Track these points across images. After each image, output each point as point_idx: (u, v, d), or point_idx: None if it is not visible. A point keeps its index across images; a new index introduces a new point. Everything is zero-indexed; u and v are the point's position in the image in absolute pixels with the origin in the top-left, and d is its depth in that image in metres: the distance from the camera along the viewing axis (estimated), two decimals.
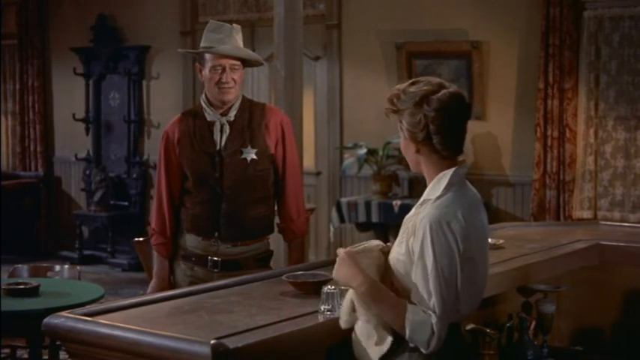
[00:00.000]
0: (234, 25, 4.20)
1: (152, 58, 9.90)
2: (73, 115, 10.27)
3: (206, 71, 4.14)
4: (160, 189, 4.29)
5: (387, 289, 2.82)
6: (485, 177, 7.64)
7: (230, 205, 4.14)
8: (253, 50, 9.00)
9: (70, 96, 10.55)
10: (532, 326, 3.92)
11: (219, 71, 4.10)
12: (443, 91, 2.81)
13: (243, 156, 4.15)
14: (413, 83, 2.87)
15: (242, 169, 4.15)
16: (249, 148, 4.16)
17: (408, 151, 2.90)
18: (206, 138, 4.18)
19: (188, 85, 9.54)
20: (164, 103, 9.77)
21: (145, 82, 10.03)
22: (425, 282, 2.72)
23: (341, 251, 2.89)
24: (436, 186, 2.84)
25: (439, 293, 2.70)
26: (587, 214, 7.35)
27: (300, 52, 6.30)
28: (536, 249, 4.33)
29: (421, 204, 2.87)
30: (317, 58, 8.78)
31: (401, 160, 8.07)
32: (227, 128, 4.17)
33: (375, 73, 8.37)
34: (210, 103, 4.19)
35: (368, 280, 2.81)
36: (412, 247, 2.77)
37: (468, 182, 2.93)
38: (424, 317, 2.70)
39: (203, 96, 4.24)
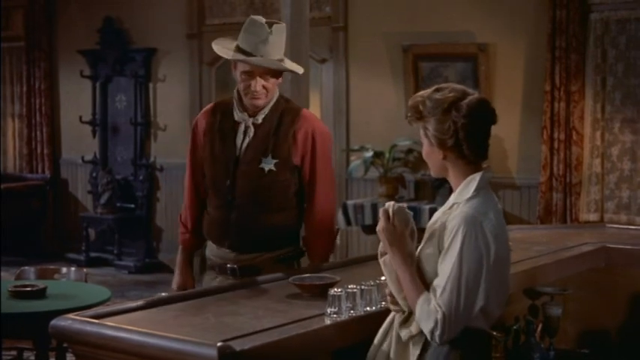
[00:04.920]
0: (274, 26, 3.91)
1: (159, 61, 9.91)
2: (80, 118, 10.28)
3: (237, 74, 3.89)
4: (187, 180, 4.14)
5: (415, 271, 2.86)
6: (491, 180, 7.63)
7: (241, 214, 3.93)
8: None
9: (76, 98, 10.57)
10: (539, 329, 3.92)
11: (249, 78, 3.85)
12: (470, 98, 2.85)
13: (261, 165, 3.90)
14: (437, 90, 2.88)
15: (257, 178, 3.90)
16: (269, 157, 3.90)
17: (433, 157, 2.91)
18: (228, 139, 3.95)
19: (194, 88, 9.55)
20: (170, 105, 9.77)
21: (151, 85, 10.03)
22: (445, 276, 2.75)
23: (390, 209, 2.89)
24: (465, 189, 2.88)
25: (456, 289, 2.73)
26: (593, 216, 7.34)
27: (307, 55, 6.30)
28: (543, 252, 4.32)
29: (450, 207, 2.89)
30: (323, 61, 8.78)
31: (407, 163, 8.08)
32: (251, 132, 3.93)
33: (381, 75, 8.37)
34: (241, 102, 3.94)
35: (404, 252, 2.85)
36: (442, 243, 2.81)
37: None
38: (432, 309, 2.74)
39: (236, 92, 3.97)
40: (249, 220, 3.93)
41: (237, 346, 2.66)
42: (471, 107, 2.83)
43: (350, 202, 8.06)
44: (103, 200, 9.97)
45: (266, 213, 3.94)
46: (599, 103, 7.33)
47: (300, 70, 4.04)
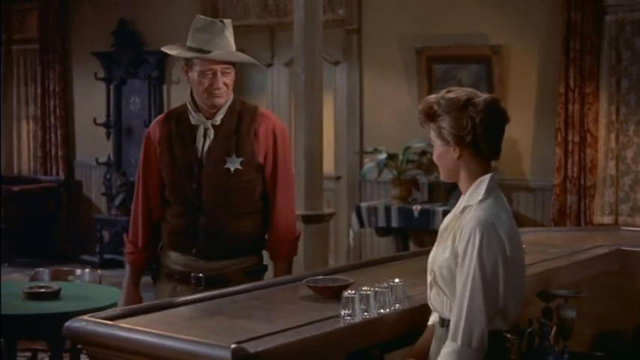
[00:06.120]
0: (224, 20, 3.90)
1: (172, 63, 9.91)
2: (94, 120, 10.30)
3: (194, 75, 3.83)
4: (136, 196, 4.02)
5: None
6: (505, 182, 7.60)
7: (209, 218, 3.84)
8: (272, 55, 9.06)
9: (90, 100, 10.60)
10: (553, 332, 3.90)
11: (209, 76, 3.79)
12: (484, 96, 2.89)
13: (226, 166, 3.83)
14: (448, 91, 2.93)
15: (224, 180, 3.83)
16: (233, 157, 3.83)
17: (447, 158, 2.93)
18: (187, 144, 3.87)
19: None
20: None
21: (165, 87, 10.05)
22: (465, 281, 2.77)
23: None
24: (475, 192, 2.90)
25: (481, 290, 2.75)
26: (607, 219, 7.31)
27: (320, 57, 6.31)
28: (557, 254, 4.31)
29: (461, 211, 2.91)
30: (337, 63, 8.77)
31: (420, 165, 8.06)
32: (211, 133, 3.86)
33: (394, 77, 8.37)
34: (196, 106, 3.88)
35: None
36: (457, 248, 2.81)
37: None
38: (452, 347, 2.80)
39: (189, 97, 3.91)
40: (217, 225, 3.85)
41: (251, 348, 2.65)
42: (488, 103, 2.87)
43: (363, 205, 8.05)
44: (117, 202, 9.99)
45: (234, 217, 3.87)
46: (613, 105, 7.31)
47: (256, 62, 4.10)
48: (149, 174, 3.98)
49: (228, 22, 3.91)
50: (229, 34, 3.89)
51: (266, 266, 4.07)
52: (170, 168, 3.90)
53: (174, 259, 3.94)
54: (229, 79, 3.85)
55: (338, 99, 8.80)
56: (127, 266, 4.08)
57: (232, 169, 3.84)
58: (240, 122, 3.89)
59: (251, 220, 3.93)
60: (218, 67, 3.81)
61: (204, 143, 3.88)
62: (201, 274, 3.86)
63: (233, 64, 3.87)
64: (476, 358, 2.78)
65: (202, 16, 3.97)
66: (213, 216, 3.85)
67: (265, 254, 4.08)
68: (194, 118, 3.89)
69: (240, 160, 3.85)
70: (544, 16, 7.62)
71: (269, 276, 4.07)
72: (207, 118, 3.88)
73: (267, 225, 4.01)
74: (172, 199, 3.92)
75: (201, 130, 3.88)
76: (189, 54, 3.85)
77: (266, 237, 4.04)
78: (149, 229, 4.01)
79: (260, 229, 4.00)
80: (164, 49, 4.10)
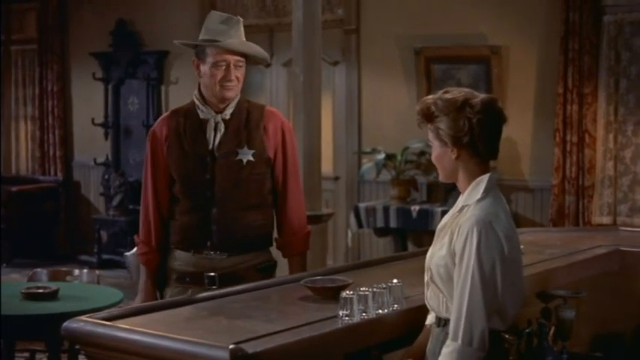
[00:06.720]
0: (238, 17, 3.91)
1: (171, 63, 9.92)
2: (92, 120, 10.29)
3: (206, 67, 3.83)
4: (146, 195, 3.96)
5: None
6: (504, 182, 7.61)
7: (222, 210, 3.83)
8: (271, 55, 9.04)
9: (89, 101, 10.59)
10: (551, 332, 3.90)
11: (223, 67, 3.79)
12: (480, 96, 2.89)
13: (238, 157, 3.84)
14: (446, 92, 2.93)
15: (236, 171, 3.83)
16: (245, 148, 3.85)
17: (445, 159, 2.94)
18: (197, 137, 3.86)
19: None
20: None
21: (163, 87, 10.05)
22: (464, 280, 2.78)
23: None
24: (474, 191, 2.90)
25: (480, 289, 2.76)
26: (606, 219, 7.31)
27: (319, 57, 6.31)
28: (556, 254, 4.31)
29: (459, 210, 2.92)
30: (335, 63, 8.77)
31: (419, 165, 8.06)
32: (222, 127, 3.86)
33: (393, 78, 8.36)
34: (205, 101, 3.89)
35: None
36: (454, 247, 2.80)
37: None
38: (453, 346, 2.80)
39: (196, 93, 3.93)
40: (230, 217, 3.84)
41: (250, 348, 2.65)
42: (485, 103, 2.88)
43: (362, 205, 8.05)
44: (115, 202, 9.98)
45: (245, 209, 3.87)
46: (612, 105, 7.31)
47: (268, 59, 4.08)
48: (157, 172, 3.94)
49: (241, 20, 3.92)
50: (242, 31, 3.91)
51: (276, 262, 4.05)
52: (180, 162, 3.88)
53: (185, 259, 3.91)
54: (240, 73, 3.86)
55: (336, 99, 8.80)
56: (142, 268, 4.05)
57: (245, 160, 3.85)
58: (249, 117, 3.91)
59: (261, 214, 3.93)
60: (231, 59, 3.81)
61: (214, 136, 3.87)
62: (214, 273, 3.85)
63: (245, 56, 3.86)
64: (477, 357, 2.79)
65: (217, 12, 3.98)
66: (225, 208, 3.84)
67: (273, 252, 4.08)
68: (203, 112, 3.90)
69: (251, 152, 3.86)
70: (543, 16, 7.62)
71: (281, 273, 4.06)
72: (217, 113, 3.89)
73: (275, 221, 4.03)
74: (182, 195, 3.90)
75: (211, 124, 3.88)
76: (205, 44, 3.85)
77: (275, 235, 4.05)
78: (162, 228, 3.97)
79: (269, 224, 4.00)
80: (176, 42, 4.12)
